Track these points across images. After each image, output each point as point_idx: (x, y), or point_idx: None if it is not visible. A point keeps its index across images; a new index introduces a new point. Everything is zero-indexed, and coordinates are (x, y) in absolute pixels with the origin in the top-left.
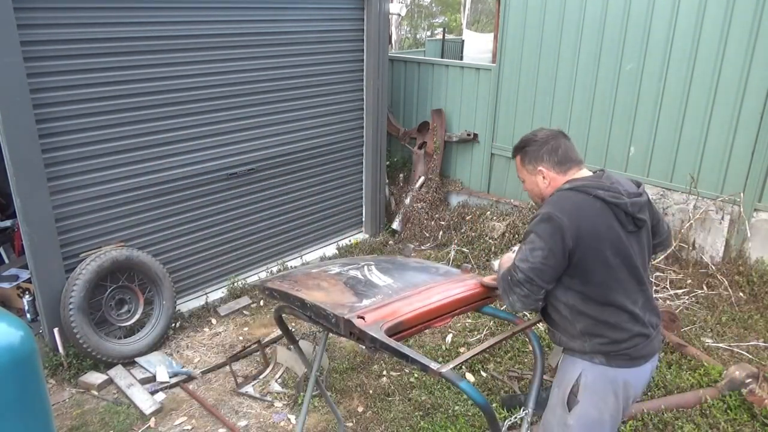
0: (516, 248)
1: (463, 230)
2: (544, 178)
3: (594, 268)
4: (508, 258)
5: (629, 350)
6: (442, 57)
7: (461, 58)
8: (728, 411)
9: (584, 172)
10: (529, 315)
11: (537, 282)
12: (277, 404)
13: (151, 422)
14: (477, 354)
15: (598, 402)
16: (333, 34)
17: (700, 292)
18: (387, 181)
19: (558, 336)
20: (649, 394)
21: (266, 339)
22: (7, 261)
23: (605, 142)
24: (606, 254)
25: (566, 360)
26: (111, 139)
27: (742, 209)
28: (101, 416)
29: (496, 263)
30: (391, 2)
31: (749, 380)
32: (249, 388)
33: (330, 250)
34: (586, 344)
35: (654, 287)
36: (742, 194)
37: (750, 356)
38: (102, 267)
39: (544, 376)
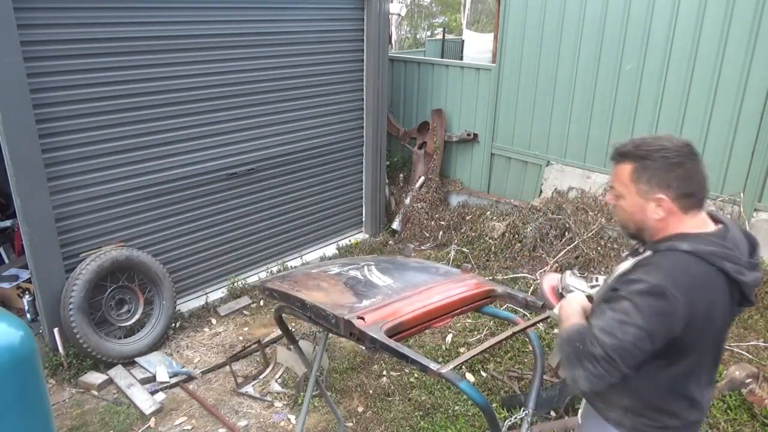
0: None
1: (463, 230)
2: (660, 208)
3: (687, 357)
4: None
5: None
6: (442, 57)
7: (461, 58)
8: (728, 411)
9: (703, 217)
10: (529, 315)
11: (618, 365)
12: (277, 404)
13: (151, 422)
14: (477, 354)
15: None
16: (333, 34)
17: None
18: (387, 181)
19: (593, 397)
20: None
21: (266, 339)
22: (7, 261)
23: (605, 143)
24: (708, 342)
25: (595, 420)
26: (111, 139)
27: (742, 209)
28: (101, 416)
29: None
30: (391, 2)
31: (749, 380)
32: (249, 388)
33: (330, 250)
34: (627, 419)
35: None
36: (742, 194)
37: (750, 356)
38: (102, 267)
39: (544, 376)
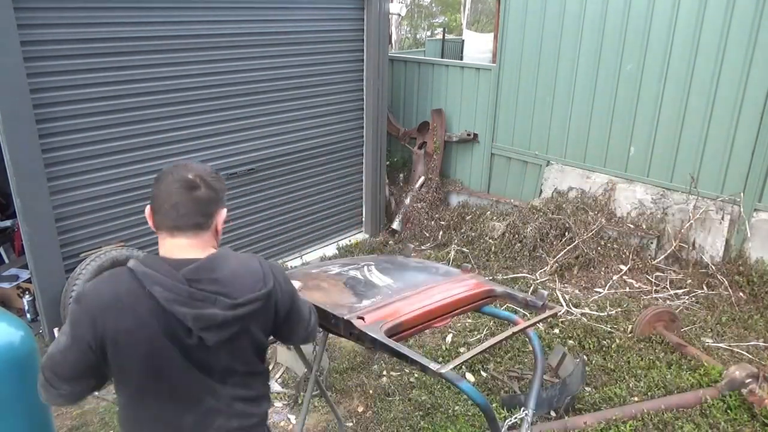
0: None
1: (463, 230)
2: (149, 218)
3: (124, 383)
4: None
5: None
6: (442, 57)
7: (461, 58)
8: (728, 411)
9: (180, 248)
10: (529, 315)
11: (48, 374)
12: (277, 404)
13: None
14: (477, 354)
15: None
16: (333, 34)
17: (700, 292)
18: (387, 181)
19: None
20: (649, 394)
21: None
22: (7, 261)
23: (605, 142)
24: (141, 369)
25: None
26: (111, 139)
27: (742, 209)
28: (101, 416)
29: None
30: (391, 2)
31: (749, 380)
32: None
33: (330, 250)
34: None
35: (654, 287)
36: (742, 194)
37: (750, 356)
38: (102, 267)
39: (544, 376)
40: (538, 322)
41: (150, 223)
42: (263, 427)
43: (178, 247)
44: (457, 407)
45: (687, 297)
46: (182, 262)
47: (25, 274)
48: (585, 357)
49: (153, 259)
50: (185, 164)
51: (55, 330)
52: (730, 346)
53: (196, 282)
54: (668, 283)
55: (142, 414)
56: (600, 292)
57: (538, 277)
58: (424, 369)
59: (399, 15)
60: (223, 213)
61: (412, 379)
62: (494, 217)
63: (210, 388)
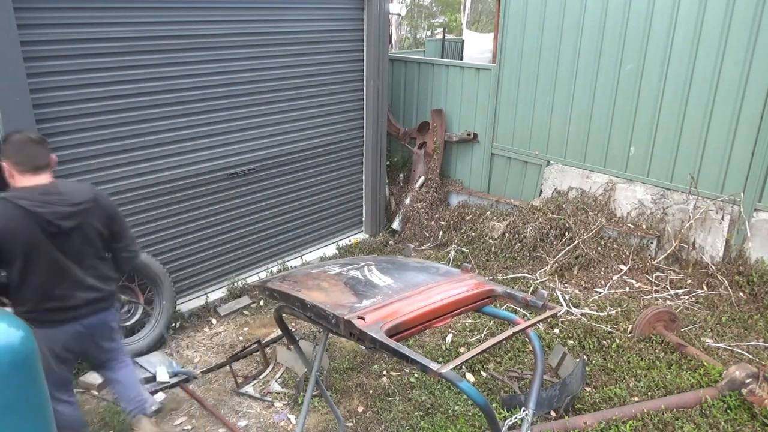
0: None
1: (463, 230)
2: (6, 171)
3: (15, 260)
4: None
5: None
6: (442, 57)
7: (461, 58)
8: (728, 411)
9: (38, 180)
10: (529, 315)
11: None
12: (277, 404)
13: (152, 422)
14: (477, 354)
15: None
16: (333, 34)
17: (700, 292)
18: (387, 181)
19: None
20: (649, 394)
21: (266, 339)
22: None
23: (605, 142)
24: (22, 251)
25: None
26: (111, 139)
27: (742, 209)
28: (101, 416)
29: None
30: (391, 2)
31: (749, 380)
32: (249, 388)
33: (330, 250)
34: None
35: (654, 287)
36: (742, 194)
37: (750, 356)
38: None
39: (544, 376)
40: (538, 322)
41: (11, 173)
42: (111, 301)
43: (38, 180)
44: (457, 407)
45: (687, 297)
46: (38, 186)
47: None
48: (585, 357)
49: (18, 189)
50: (21, 130)
51: None
52: (730, 346)
53: (47, 195)
54: (668, 283)
55: (30, 284)
56: (600, 292)
57: (538, 277)
58: (424, 369)
59: (399, 15)
60: (54, 157)
61: (412, 379)
62: (494, 217)
63: (70, 267)
